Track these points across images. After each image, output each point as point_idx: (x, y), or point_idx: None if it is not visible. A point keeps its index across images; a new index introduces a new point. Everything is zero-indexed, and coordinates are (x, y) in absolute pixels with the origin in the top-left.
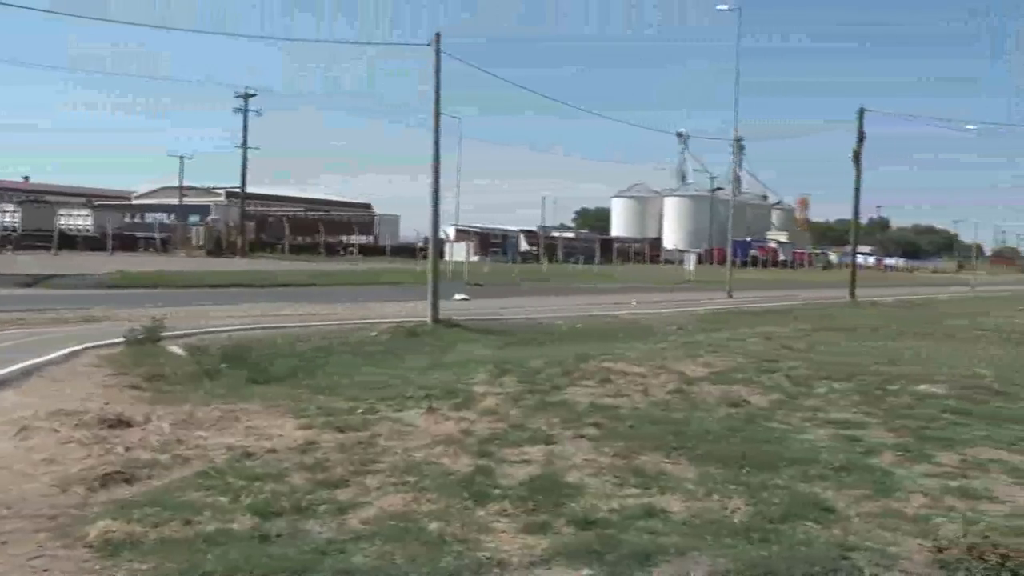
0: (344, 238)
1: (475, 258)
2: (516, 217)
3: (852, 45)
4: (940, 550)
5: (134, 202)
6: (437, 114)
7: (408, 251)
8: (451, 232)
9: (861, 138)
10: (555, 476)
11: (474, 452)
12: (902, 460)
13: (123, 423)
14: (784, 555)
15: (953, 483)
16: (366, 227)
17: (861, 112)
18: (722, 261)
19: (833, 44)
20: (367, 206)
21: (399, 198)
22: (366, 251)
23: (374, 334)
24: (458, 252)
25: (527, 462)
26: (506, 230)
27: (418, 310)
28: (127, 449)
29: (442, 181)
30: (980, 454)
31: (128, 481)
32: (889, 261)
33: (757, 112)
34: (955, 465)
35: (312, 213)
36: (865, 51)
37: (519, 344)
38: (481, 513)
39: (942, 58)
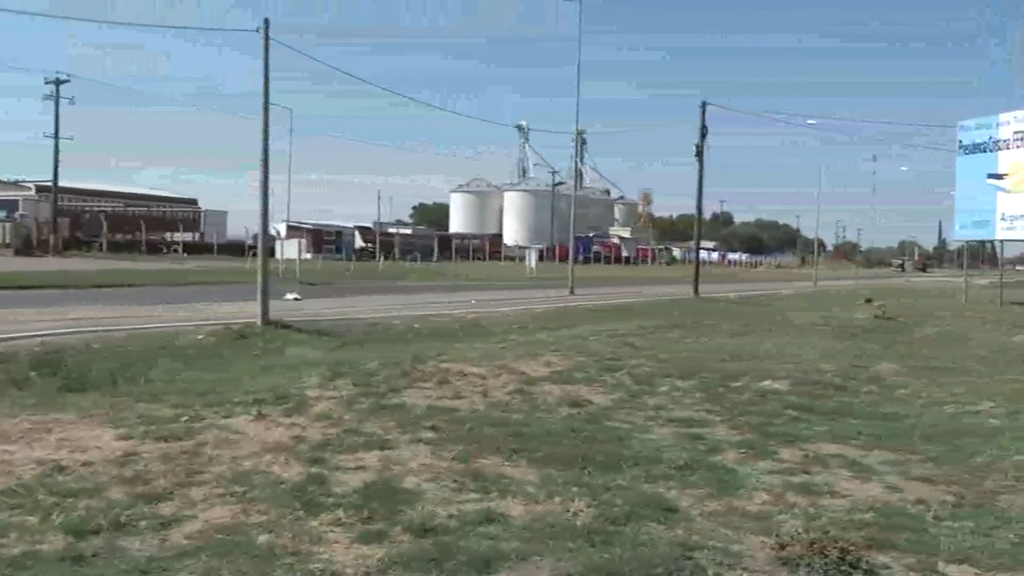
0: (168, 235)
1: (308, 256)
2: (351, 213)
3: (699, 39)
4: (782, 547)
5: None
6: (266, 104)
7: (237, 249)
8: (282, 229)
9: (704, 133)
10: (391, 482)
11: (306, 459)
12: (745, 457)
13: None
14: (627, 557)
15: (795, 479)
16: (191, 224)
17: (703, 106)
18: (564, 258)
19: (681, 38)
20: (193, 202)
21: (228, 193)
22: (192, 249)
23: (200, 337)
24: (290, 250)
25: (362, 468)
26: (340, 227)
27: (247, 311)
28: None
29: (273, 176)
30: (821, 449)
31: None
32: (733, 256)
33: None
34: (797, 461)
35: (133, 209)
36: (713, 48)
37: (354, 345)
38: (314, 523)
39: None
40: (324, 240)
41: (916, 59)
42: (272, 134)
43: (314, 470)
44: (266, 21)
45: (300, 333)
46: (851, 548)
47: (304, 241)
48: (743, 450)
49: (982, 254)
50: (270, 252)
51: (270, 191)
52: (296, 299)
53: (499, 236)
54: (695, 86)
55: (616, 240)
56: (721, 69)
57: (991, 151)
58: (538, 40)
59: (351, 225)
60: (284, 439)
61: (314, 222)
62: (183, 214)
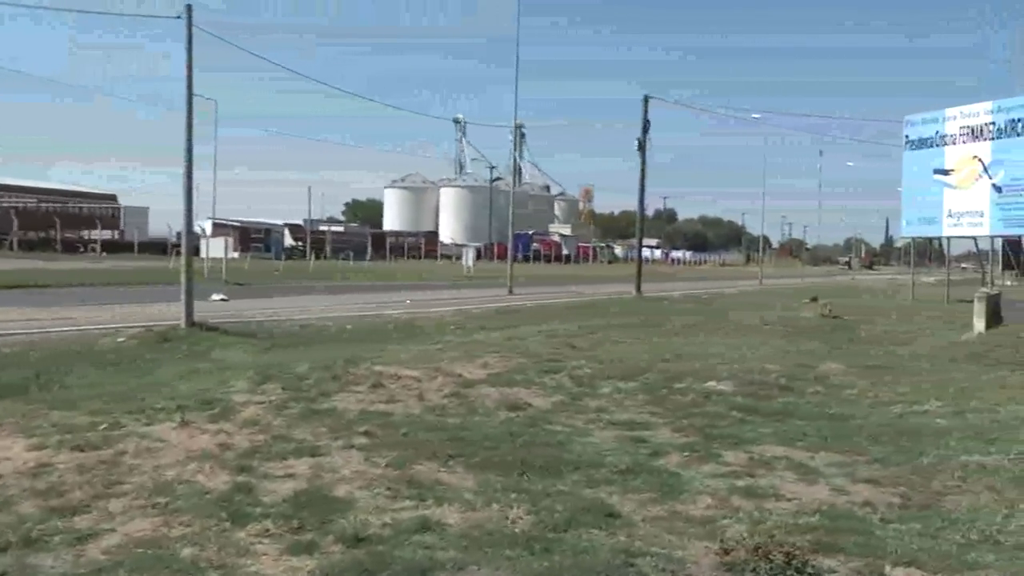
0: (85, 233)
1: (235, 255)
2: (281, 211)
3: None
4: (726, 552)
5: None
6: (190, 96)
7: (159, 247)
8: (208, 226)
9: (646, 127)
10: (322, 491)
11: (233, 468)
12: (689, 461)
13: None
14: (567, 564)
15: (740, 483)
16: (111, 221)
17: (646, 100)
18: (503, 256)
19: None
20: (111, 198)
21: (150, 189)
22: (111, 248)
23: (120, 340)
24: (216, 248)
25: (291, 476)
26: (270, 224)
27: (170, 312)
28: None
29: (198, 171)
30: (766, 451)
31: None
32: (676, 254)
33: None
34: (742, 464)
35: (47, 205)
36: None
37: (283, 348)
38: (240, 535)
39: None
40: (252, 238)
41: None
42: (197, 130)
43: (241, 479)
44: (188, 8)
45: (227, 335)
46: (797, 552)
47: (231, 239)
48: (687, 453)
49: (929, 251)
50: (195, 251)
51: (194, 187)
52: (223, 300)
53: (435, 234)
54: (695, 86)
55: (556, 238)
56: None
57: (937, 146)
58: (478, 36)
59: (281, 223)
60: (209, 447)
61: (242, 219)
62: (101, 211)
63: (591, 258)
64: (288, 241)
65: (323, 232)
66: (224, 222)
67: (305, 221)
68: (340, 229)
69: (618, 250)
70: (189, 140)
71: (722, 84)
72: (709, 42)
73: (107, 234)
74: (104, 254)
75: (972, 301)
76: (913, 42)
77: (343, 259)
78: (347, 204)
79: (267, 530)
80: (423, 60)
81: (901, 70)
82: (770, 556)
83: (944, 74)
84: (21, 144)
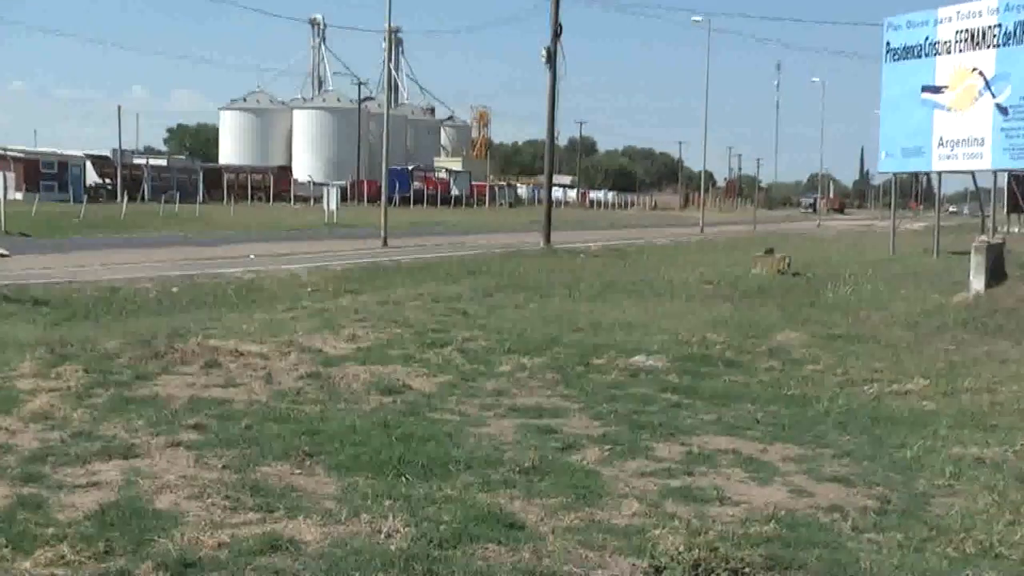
0: None
1: (18, 196)
2: (81, 138)
3: None
4: (658, 571)
5: None
6: None
7: None
8: None
9: (557, 32)
10: (138, 502)
11: (15, 477)
12: (610, 456)
13: None
14: None
15: (674, 483)
16: None
17: None
18: (375, 198)
19: None
20: None
21: None
22: None
23: None
24: None
25: (96, 485)
26: (66, 156)
27: None
28: None
29: None
30: (708, 444)
31: None
32: (596, 195)
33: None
34: (677, 459)
35: None
36: None
37: (85, 318)
38: (26, 564)
39: None
40: (42, 174)
41: None
42: None
43: (27, 491)
44: None
45: (7, 303)
46: (746, 570)
47: (12, 175)
48: (607, 446)
49: (915, 191)
50: None
51: None
52: (3, 255)
53: (287, 169)
54: None
55: (444, 174)
56: None
57: (927, 56)
58: None
59: (81, 154)
60: None
61: (27, 150)
62: None
63: (488, 200)
64: (92, 178)
65: (139, 167)
66: (2, 153)
67: (114, 152)
68: (162, 163)
69: (522, 190)
70: None
71: None
72: None
73: None
74: None
75: (968, 253)
76: None
77: (166, 202)
78: (170, 130)
79: (62, 556)
80: None
81: None
82: (713, 574)
83: None
84: None
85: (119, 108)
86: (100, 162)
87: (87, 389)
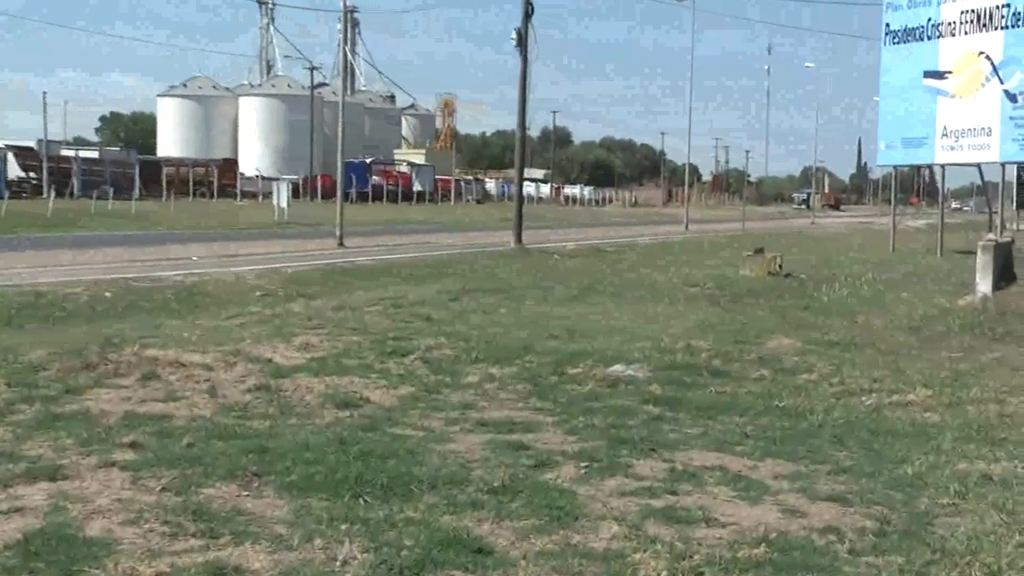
0: None
1: None
2: (1, 127)
3: None
4: None
5: None
6: None
7: None
8: None
9: (528, 13)
10: (67, 529)
11: None
12: (587, 474)
13: None
14: None
15: (657, 503)
16: None
17: None
18: (330, 193)
19: None
20: None
21: None
22: None
23: None
24: None
25: (19, 511)
26: None
27: None
28: None
29: None
30: (693, 460)
31: None
32: (571, 190)
33: None
34: (659, 477)
35: None
36: None
37: (7, 326)
38: None
39: None
40: None
41: None
42: None
43: None
44: None
45: None
46: None
47: None
48: (584, 464)
49: (916, 185)
50: None
51: None
52: None
53: (233, 162)
54: None
55: (405, 168)
56: None
57: (930, 39)
58: None
59: (1, 145)
60: None
61: None
62: None
63: (453, 196)
64: (15, 172)
65: (68, 159)
66: None
67: (40, 143)
68: (94, 155)
69: (490, 185)
70: None
71: None
72: None
73: None
74: None
75: (974, 252)
76: None
77: (99, 198)
78: (103, 119)
79: None
80: None
81: None
82: None
83: None
84: None
85: (44, 94)
86: (23, 154)
87: (9, 405)
